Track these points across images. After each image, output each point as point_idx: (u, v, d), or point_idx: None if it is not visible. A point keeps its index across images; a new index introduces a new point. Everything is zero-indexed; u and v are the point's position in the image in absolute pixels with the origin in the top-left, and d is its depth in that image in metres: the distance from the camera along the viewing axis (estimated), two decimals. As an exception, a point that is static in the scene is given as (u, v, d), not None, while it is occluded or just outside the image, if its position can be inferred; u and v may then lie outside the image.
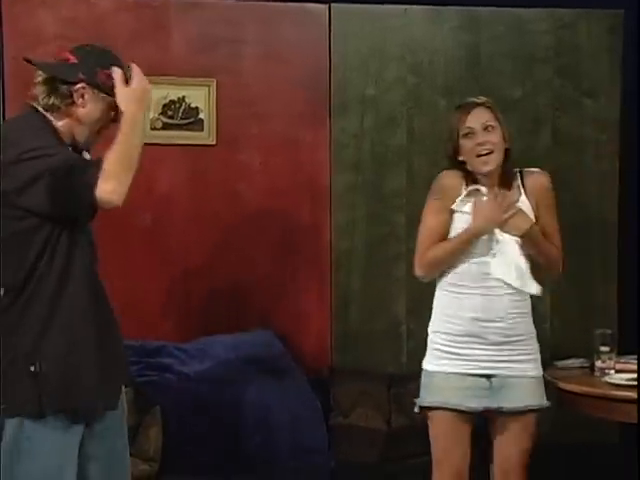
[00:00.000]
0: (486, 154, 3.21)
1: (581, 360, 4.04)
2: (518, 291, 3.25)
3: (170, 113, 4.36)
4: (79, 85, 2.75)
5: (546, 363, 4.08)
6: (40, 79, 2.77)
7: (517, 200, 3.25)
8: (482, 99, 3.31)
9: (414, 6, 4.61)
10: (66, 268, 2.72)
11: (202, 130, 4.40)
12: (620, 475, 4.06)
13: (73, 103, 2.75)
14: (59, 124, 2.77)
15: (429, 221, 3.27)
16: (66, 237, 2.72)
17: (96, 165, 2.63)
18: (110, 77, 2.74)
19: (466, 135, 3.24)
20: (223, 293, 4.41)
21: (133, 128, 2.69)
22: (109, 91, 2.75)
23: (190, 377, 4.07)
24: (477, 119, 3.24)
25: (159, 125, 4.27)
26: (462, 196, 3.23)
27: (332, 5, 4.52)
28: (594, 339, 3.89)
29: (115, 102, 2.76)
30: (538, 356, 3.33)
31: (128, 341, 2.94)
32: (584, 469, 4.26)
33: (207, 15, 4.44)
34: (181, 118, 4.37)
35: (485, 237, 3.22)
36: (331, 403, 4.22)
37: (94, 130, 2.81)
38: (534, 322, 3.35)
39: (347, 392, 4.25)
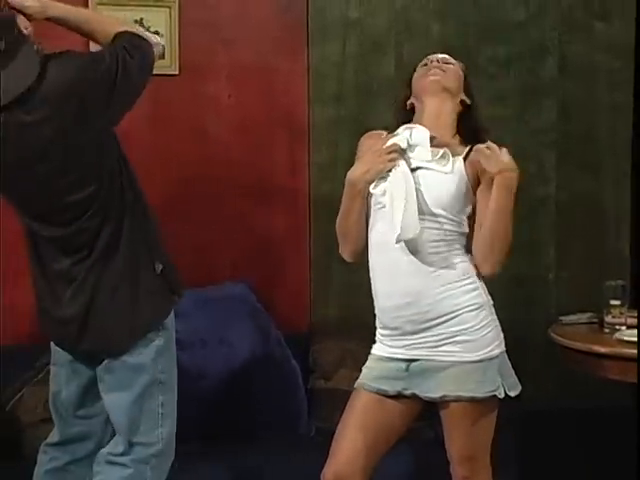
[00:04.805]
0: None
1: (589, 315, 4.02)
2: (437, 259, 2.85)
3: (127, 38, 4.11)
4: None
5: (550, 318, 4.06)
6: None
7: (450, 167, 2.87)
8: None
9: None
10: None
11: (163, 57, 3.98)
12: (637, 441, 3.78)
13: None
14: None
15: None
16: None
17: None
18: None
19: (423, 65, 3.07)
20: (189, 242, 4.19)
21: None
22: None
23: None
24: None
25: (115, 52, 4.01)
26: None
27: None
28: (604, 291, 3.89)
29: None
30: (476, 336, 2.84)
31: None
32: (595, 436, 4.09)
33: None
34: (139, 44, 4.14)
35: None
36: (310, 364, 4.06)
37: None
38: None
39: (329, 352, 4.06)
